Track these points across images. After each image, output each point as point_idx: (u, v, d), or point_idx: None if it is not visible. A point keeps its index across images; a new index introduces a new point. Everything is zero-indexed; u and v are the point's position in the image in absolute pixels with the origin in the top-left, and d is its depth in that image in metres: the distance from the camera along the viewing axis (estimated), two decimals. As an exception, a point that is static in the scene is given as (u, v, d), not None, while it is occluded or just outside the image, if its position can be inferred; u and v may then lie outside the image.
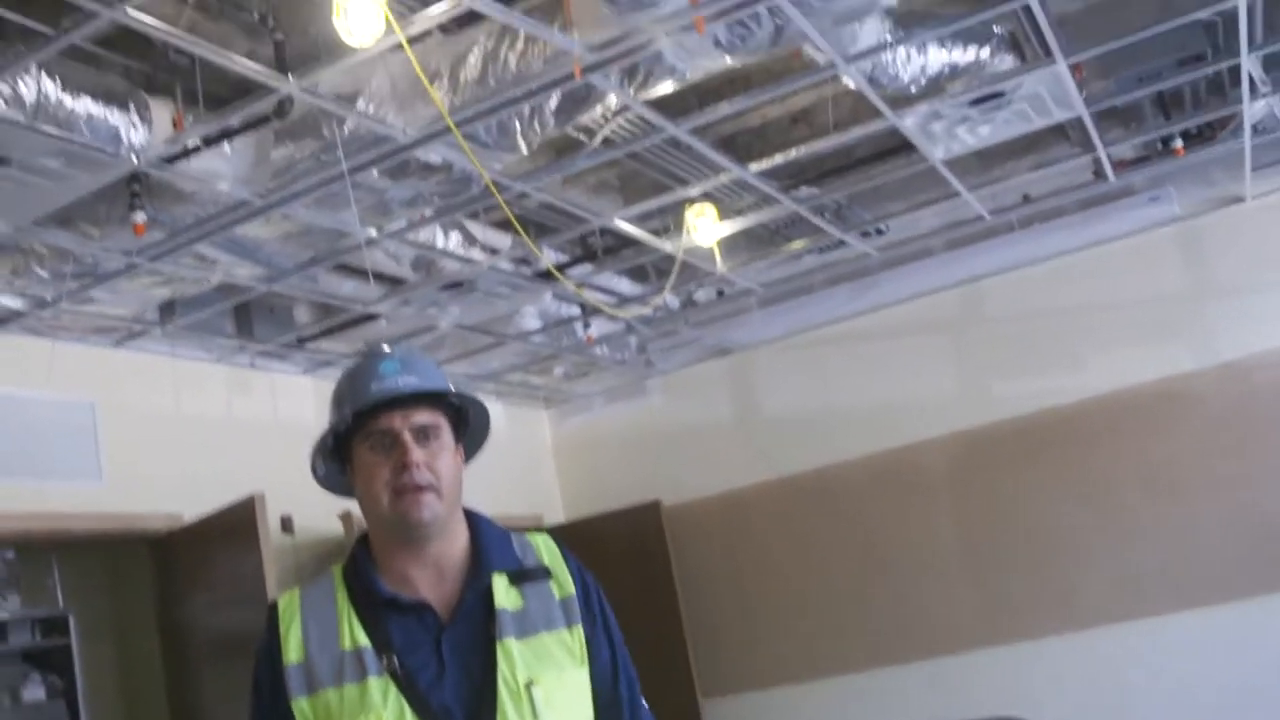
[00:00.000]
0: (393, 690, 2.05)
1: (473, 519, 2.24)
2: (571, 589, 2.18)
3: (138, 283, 5.12)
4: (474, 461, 2.32)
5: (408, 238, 5.20)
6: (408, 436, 2.13)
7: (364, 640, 2.10)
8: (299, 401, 6.90)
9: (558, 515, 8.52)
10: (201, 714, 5.86)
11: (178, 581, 6.00)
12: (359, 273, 5.70)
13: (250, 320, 6.03)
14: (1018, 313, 7.50)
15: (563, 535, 2.42)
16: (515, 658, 2.08)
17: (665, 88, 4.32)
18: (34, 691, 6.24)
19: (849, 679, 7.62)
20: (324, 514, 6.19)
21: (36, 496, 5.37)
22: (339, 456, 2.22)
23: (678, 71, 4.20)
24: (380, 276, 5.67)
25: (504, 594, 2.14)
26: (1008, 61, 4.76)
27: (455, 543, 2.19)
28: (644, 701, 2.23)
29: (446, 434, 2.19)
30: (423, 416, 2.15)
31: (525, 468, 8.46)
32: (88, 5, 3.25)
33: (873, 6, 4.04)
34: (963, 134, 5.29)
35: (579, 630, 2.15)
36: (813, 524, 7.80)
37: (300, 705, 2.09)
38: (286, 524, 6.25)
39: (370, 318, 6.27)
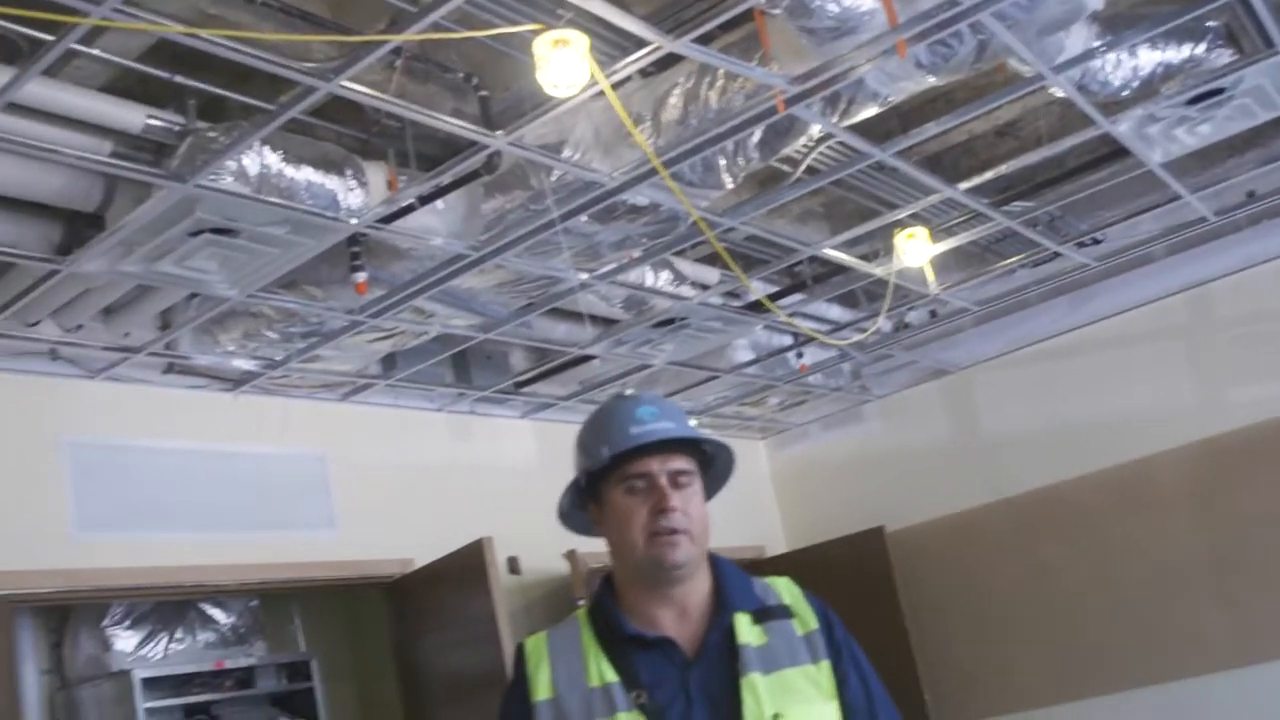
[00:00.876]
0: None
1: (715, 562, 2.27)
2: (814, 624, 2.20)
3: (360, 339, 5.29)
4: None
5: (618, 279, 5.25)
6: (665, 481, 2.17)
7: (612, 676, 2.14)
8: (519, 445, 7.02)
9: (779, 545, 8.46)
10: (440, 751, 5.99)
11: (412, 624, 6.15)
12: (572, 316, 5.79)
13: (468, 368, 6.18)
14: (1251, 314, 7.13)
15: (786, 565, 2.38)
16: (761, 693, 2.09)
17: (868, 112, 4.27)
18: (282, 734, 6.48)
19: (1088, 704, 7.31)
20: (549, 554, 6.30)
21: (276, 547, 5.59)
22: (583, 496, 2.27)
23: (880, 96, 4.15)
24: (593, 318, 5.74)
25: (747, 631, 2.17)
26: (1225, 56, 4.55)
27: (700, 585, 2.22)
28: None
29: (697, 480, 2.22)
30: (679, 462, 2.19)
31: (745, 499, 8.42)
32: (304, 80, 3.38)
33: (1078, 13, 3.92)
34: (1181, 135, 5.07)
35: (825, 665, 2.16)
36: (1044, 544, 7.54)
37: None
38: (513, 565, 6.36)
39: (585, 359, 6.36)
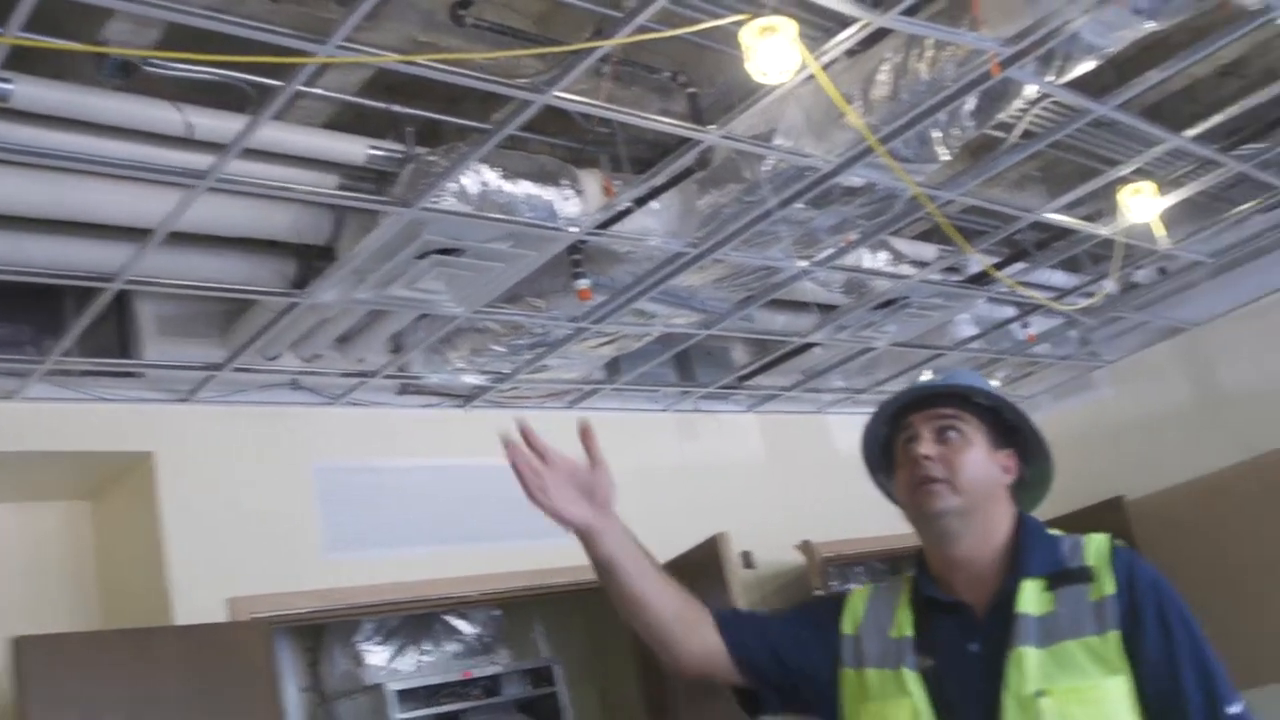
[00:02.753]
0: (920, 686, 2.07)
1: (1021, 523, 2.18)
2: (1110, 589, 2.01)
3: (585, 345, 5.35)
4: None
5: (837, 263, 5.19)
6: (926, 432, 2.15)
7: (909, 633, 2.14)
8: (746, 439, 7.00)
9: (1014, 521, 8.25)
10: (683, 752, 6.00)
11: (652, 624, 6.16)
12: (790, 305, 5.74)
13: (691, 366, 6.18)
14: None
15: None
16: (1027, 667, 1.98)
17: (1085, 67, 4.10)
18: (527, 739, 6.58)
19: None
20: (782, 546, 6.26)
21: (515, 557, 5.66)
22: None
23: (1097, 48, 3.98)
24: (814, 305, 5.69)
25: (1033, 599, 2.05)
26: None
27: (987, 544, 2.14)
28: (1232, 709, 1.96)
29: (974, 433, 2.16)
30: (944, 413, 2.16)
31: (976, 475, 8.21)
32: (519, 95, 3.42)
33: (1310, -63, 3.70)
34: None
35: (1114, 635, 1.98)
36: (1300, 505, 7.17)
37: (848, 675, 2.17)
38: (747, 559, 6.33)
39: (807, 347, 6.30)
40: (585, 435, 2.16)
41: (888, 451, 2.25)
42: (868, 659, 2.16)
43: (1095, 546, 2.09)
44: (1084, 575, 2.05)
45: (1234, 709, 1.96)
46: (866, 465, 2.32)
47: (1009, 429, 2.21)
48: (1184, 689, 1.95)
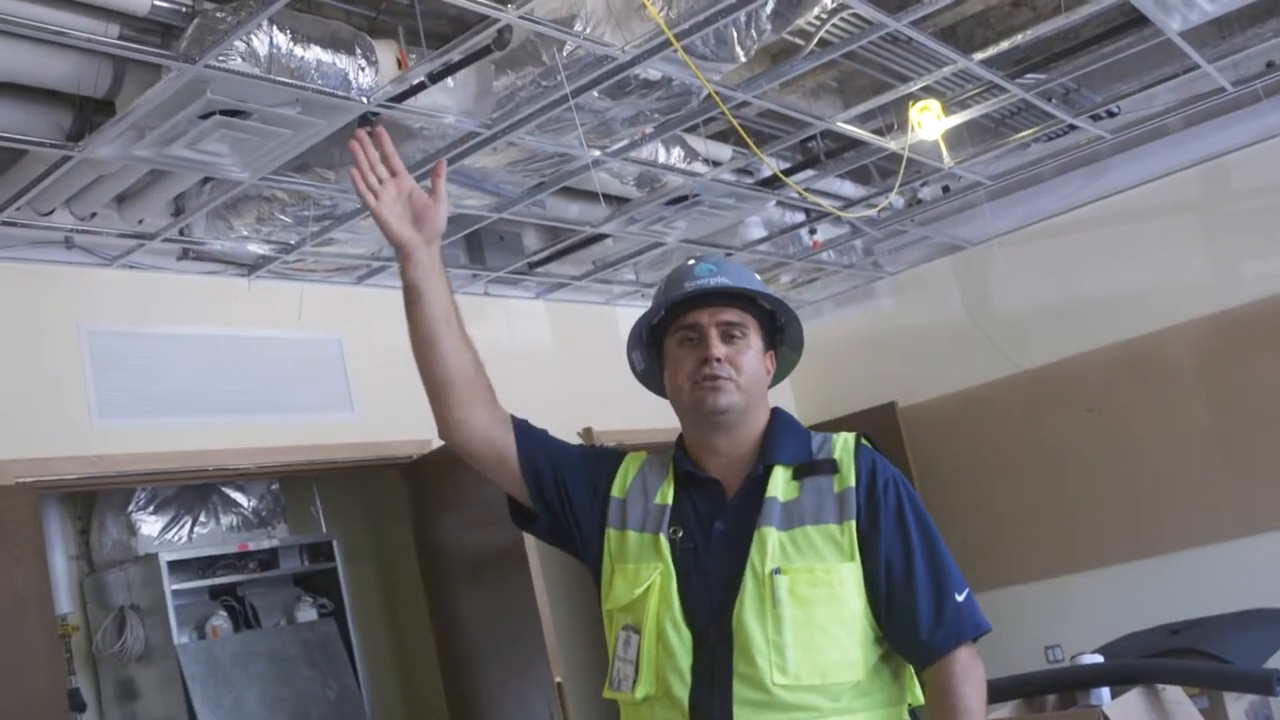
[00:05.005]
0: (669, 552, 2.21)
1: (775, 416, 2.33)
2: (851, 482, 2.19)
3: (373, 221, 5.26)
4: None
5: (630, 156, 5.22)
6: (713, 332, 2.25)
7: (669, 502, 2.27)
8: (533, 325, 7.04)
9: (792, 421, 8.49)
10: (460, 628, 6.11)
11: (430, 504, 6.23)
12: (584, 195, 5.76)
13: (482, 249, 6.15)
14: (1267, 187, 7.07)
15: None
16: (768, 547, 2.14)
17: (883, -20, 4.21)
18: (306, 613, 6.57)
19: (1097, 574, 7.43)
20: (564, 433, 6.32)
21: (295, 430, 5.65)
22: (656, 354, 2.38)
23: (896, -38, 4.08)
24: (606, 196, 5.72)
25: (781, 485, 2.21)
26: (1247, -83, 4.47)
27: (748, 436, 2.29)
28: (959, 596, 2.15)
29: (754, 335, 2.30)
30: (729, 315, 2.27)
31: (757, 376, 8.40)
32: (312, -45, 3.34)
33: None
34: (1200, 1, 4.99)
35: (851, 524, 2.15)
36: (1055, 418, 7.59)
37: (610, 535, 2.32)
38: (527, 443, 6.38)
39: (598, 238, 6.34)
40: (435, 171, 2.26)
41: (656, 332, 2.36)
42: (630, 522, 2.29)
43: (842, 442, 2.27)
44: (829, 468, 2.22)
45: (960, 596, 2.15)
46: (631, 338, 2.42)
47: (774, 330, 2.36)
48: (915, 576, 2.14)
